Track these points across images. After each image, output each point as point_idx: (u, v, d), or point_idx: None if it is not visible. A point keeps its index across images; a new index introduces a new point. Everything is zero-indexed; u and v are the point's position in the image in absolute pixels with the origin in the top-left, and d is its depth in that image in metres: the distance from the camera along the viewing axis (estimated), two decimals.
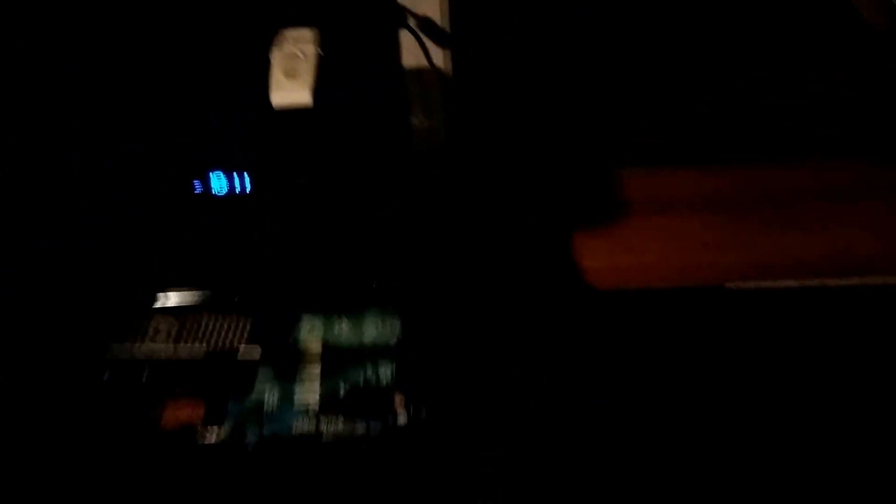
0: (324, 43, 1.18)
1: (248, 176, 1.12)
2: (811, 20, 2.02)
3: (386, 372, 1.13)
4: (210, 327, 1.16)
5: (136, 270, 1.17)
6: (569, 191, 1.79)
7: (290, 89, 1.12)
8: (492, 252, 1.65)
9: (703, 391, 1.49)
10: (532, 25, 1.96)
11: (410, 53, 1.47)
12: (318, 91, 1.12)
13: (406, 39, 1.44)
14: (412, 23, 1.39)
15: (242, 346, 1.14)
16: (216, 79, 1.19)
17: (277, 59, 1.15)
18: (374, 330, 1.18)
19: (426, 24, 1.45)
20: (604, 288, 1.64)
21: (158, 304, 1.18)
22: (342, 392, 1.11)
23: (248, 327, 1.16)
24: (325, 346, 1.15)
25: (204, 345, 1.14)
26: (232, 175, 1.12)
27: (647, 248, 1.70)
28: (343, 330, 1.17)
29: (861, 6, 2.02)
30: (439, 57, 1.48)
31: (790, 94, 1.88)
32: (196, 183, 1.10)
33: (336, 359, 1.14)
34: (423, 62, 1.43)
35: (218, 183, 1.12)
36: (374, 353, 1.15)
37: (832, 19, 2.02)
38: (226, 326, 1.16)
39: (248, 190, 1.11)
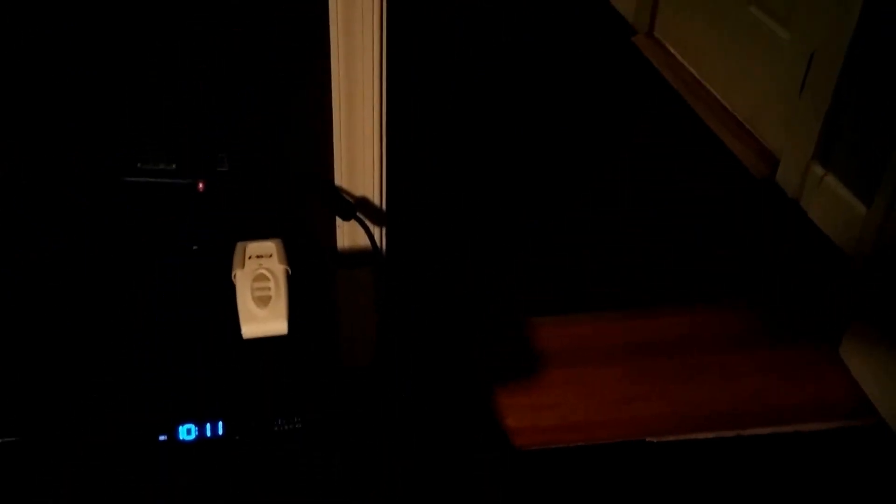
0: (288, 255, 1.11)
1: (219, 423, 1.00)
2: (699, 171, 2.15)
3: None
4: None
5: None
6: (489, 346, 1.78)
7: (264, 319, 1.03)
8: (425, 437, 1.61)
9: None
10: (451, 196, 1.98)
11: (346, 238, 1.43)
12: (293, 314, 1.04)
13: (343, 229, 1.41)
14: (358, 210, 1.34)
15: None
16: (179, 307, 1.08)
17: (243, 282, 1.06)
18: None
19: (364, 205, 1.41)
20: (530, 448, 1.63)
21: None
22: None
23: None
24: None
25: None
26: (203, 424, 1.00)
27: (570, 404, 1.71)
28: None
29: (742, 155, 2.18)
30: (377, 235, 1.44)
31: (684, 241, 1.98)
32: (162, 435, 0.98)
33: None
34: (359, 249, 1.39)
35: (186, 431, 1.00)
36: None
37: (717, 169, 2.16)
38: None
39: (218, 434, 1.00)
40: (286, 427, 1.01)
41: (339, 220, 1.40)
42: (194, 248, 1.14)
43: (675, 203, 2.08)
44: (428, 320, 1.73)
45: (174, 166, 1.18)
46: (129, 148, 1.18)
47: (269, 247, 1.11)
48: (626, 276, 1.90)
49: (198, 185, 1.18)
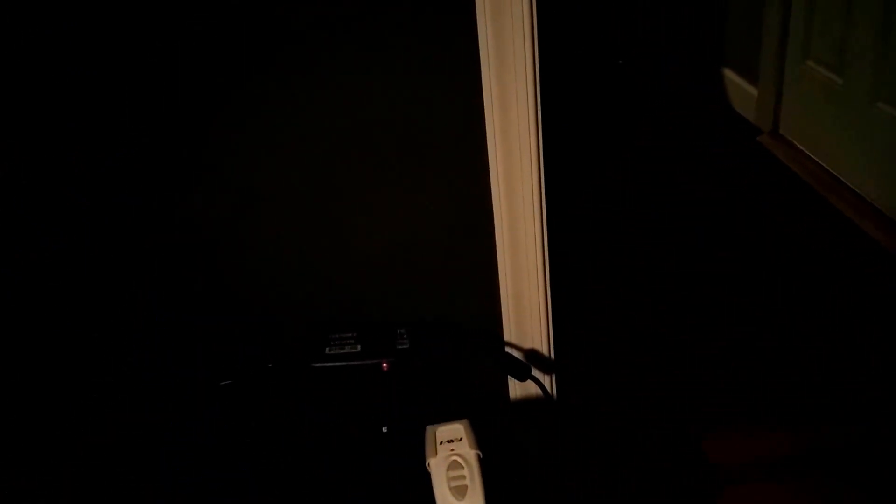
0: (476, 434, 1.03)
1: None
2: (842, 263, 1.97)
3: None
4: None
5: None
6: (658, 462, 1.64)
7: None
8: None
9: None
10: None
11: (518, 388, 1.34)
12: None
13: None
14: (533, 370, 1.26)
15: None
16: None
17: (438, 471, 0.99)
18: None
19: (533, 356, 1.32)
20: None
21: None
22: None
23: None
24: None
25: None
26: None
27: None
28: None
29: (871, 231, 1.98)
30: (548, 384, 1.35)
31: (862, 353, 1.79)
32: None
33: None
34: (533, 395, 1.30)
35: None
36: None
37: (862, 262, 1.97)
38: None
39: None
40: None
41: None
42: (384, 429, 1.08)
43: (824, 304, 1.90)
44: (604, 451, 1.61)
45: (359, 348, 1.13)
46: (317, 336, 1.14)
47: (458, 430, 1.04)
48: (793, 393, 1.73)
49: (382, 364, 1.12)
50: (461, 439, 1.03)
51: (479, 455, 1.01)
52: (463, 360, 1.22)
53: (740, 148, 2.50)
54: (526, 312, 1.29)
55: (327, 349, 1.13)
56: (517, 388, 1.35)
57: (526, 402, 1.36)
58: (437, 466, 1.00)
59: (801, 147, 2.39)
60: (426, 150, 1.14)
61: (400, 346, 1.14)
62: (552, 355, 1.35)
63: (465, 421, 1.05)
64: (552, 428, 1.32)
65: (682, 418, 1.64)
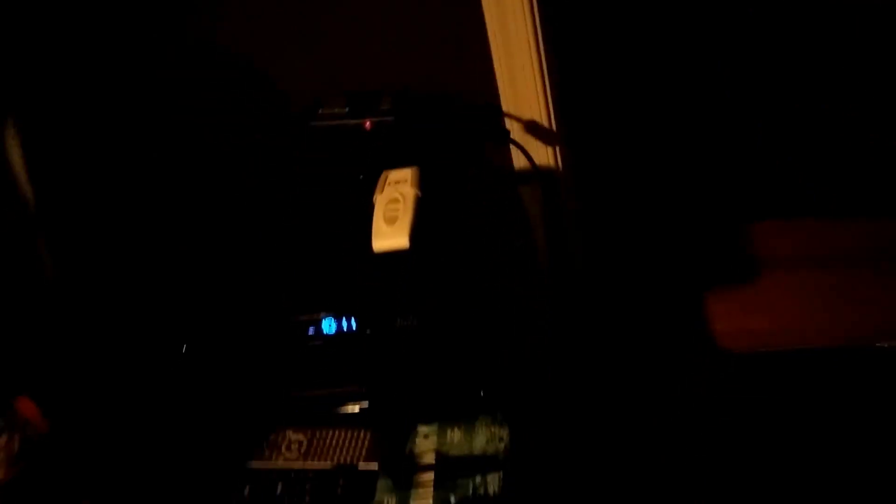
0: (426, 180, 1.15)
1: (354, 318, 1.12)
2: None
3: (494, 481, 1.09)
4: (334, 442, 1.19)
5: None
6: (696, 248, 1.65)
7: (390, 235, 1.10)
8: (616, 323, 1.56)
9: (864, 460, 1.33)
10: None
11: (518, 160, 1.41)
12: (416, 232, 1.09)
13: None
14: (517, 133, 1.33)
15: (362, 460, 1.15)
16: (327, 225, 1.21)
17: (379, 203, 1.13)
18: (484, 439, 1.14)
19: (532, 127, 1.38)
20: (738, 351, 1.50)
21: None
22: (453, 501, 1.08)
23: (367, 441, 1.17)
24: (439, 455, 1.13)
25: (329, 460, 1.16)
26: (340, 318, 1.13)
27: (783, 307, 1.53)
28: (455, 439, 1.15)
29: None
30: (550, 154, 1.40)
31: None
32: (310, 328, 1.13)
33: (448, 468, 1.11)
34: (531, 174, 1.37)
35: (328, 325, 1.14)
36: (483, 463, 1.10)
37: None
38: (348, 441, 1.18)
39: (353, 329, 1.11)
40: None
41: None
42: (361, 177, 1.24)
43: None
44: (631, 228, 1.65)
45: (347, 110, 1.28)
46: (312, 102, 1.30)
47: (406, 173, 1.17)
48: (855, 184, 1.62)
49: (365, 124, 1.27)
50: (407, 181, 1.16)
51: (417, 194, 1.14)
52: (440, 122, 1.32)
53: None
54: (520, 82, 1.34)
55: (320, 111, 1.29)
56: (519, 157, 1.42)
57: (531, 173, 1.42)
58: (380, 201, 1.14)
59: None
60: None
61: (384, 108, 1.28)
62: (553, 127, 1.39)
63: (414, 168, 1.18)
64: (547, 197, 1.39)
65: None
